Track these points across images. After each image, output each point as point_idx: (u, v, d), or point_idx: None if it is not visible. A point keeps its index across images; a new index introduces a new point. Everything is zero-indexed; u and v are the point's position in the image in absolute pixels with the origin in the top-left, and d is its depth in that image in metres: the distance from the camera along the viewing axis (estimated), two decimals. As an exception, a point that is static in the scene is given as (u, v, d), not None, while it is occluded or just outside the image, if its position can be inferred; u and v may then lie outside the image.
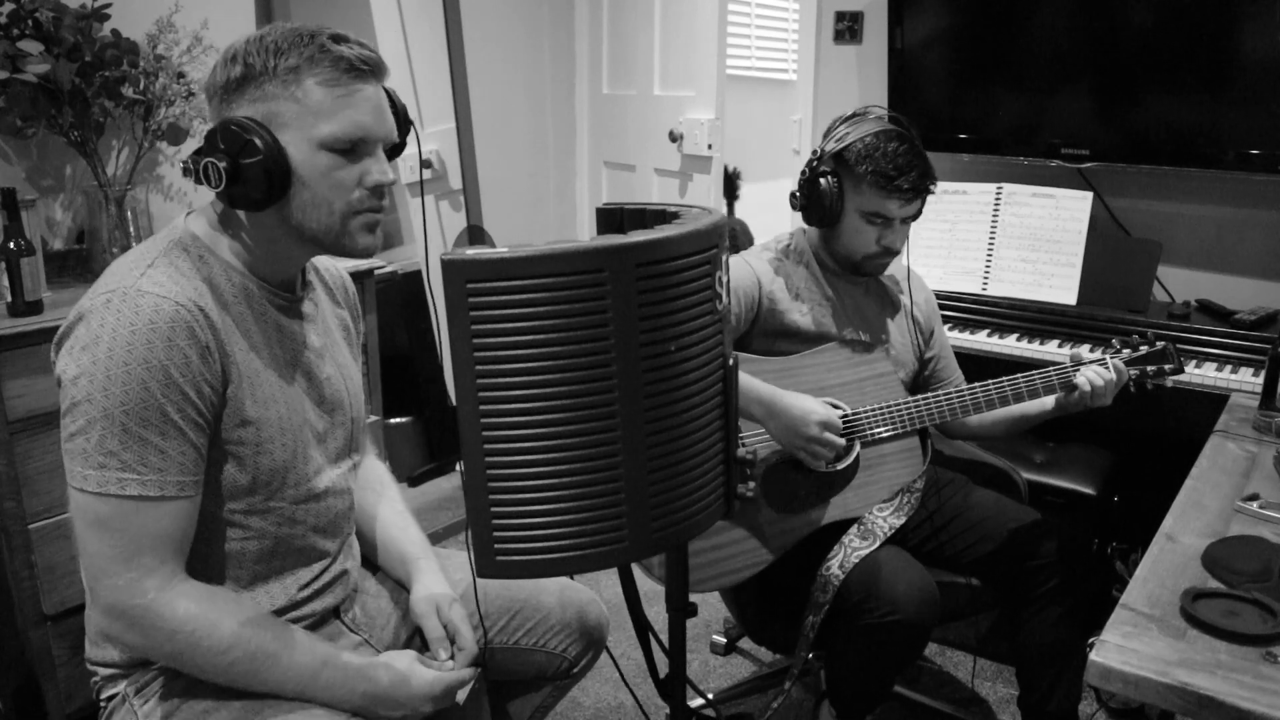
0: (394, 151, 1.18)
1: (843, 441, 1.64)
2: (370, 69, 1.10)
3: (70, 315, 1.06)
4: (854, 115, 1.74)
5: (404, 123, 1.19)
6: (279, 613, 1.19)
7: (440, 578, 1.34)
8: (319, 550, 1.24)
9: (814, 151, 1.74)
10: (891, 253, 1.74)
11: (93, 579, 1.05)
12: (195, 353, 1.05)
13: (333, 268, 1.37)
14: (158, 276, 1.06)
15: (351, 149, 1.09)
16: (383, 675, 1.15)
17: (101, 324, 1.02)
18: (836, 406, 1.72)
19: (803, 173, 1.74)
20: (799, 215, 1.77)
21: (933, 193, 1.72)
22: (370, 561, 1.40)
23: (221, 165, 1.05)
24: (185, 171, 1.10)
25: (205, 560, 1.14)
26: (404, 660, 1.19)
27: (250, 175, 1.05)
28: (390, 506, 1.42)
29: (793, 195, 1.75)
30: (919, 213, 1.74)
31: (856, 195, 1.69)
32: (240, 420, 1.11)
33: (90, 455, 1.01)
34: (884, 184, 1.65)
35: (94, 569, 1.05)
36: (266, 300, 1.17)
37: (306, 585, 1.22)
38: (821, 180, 1.69)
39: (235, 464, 1.11)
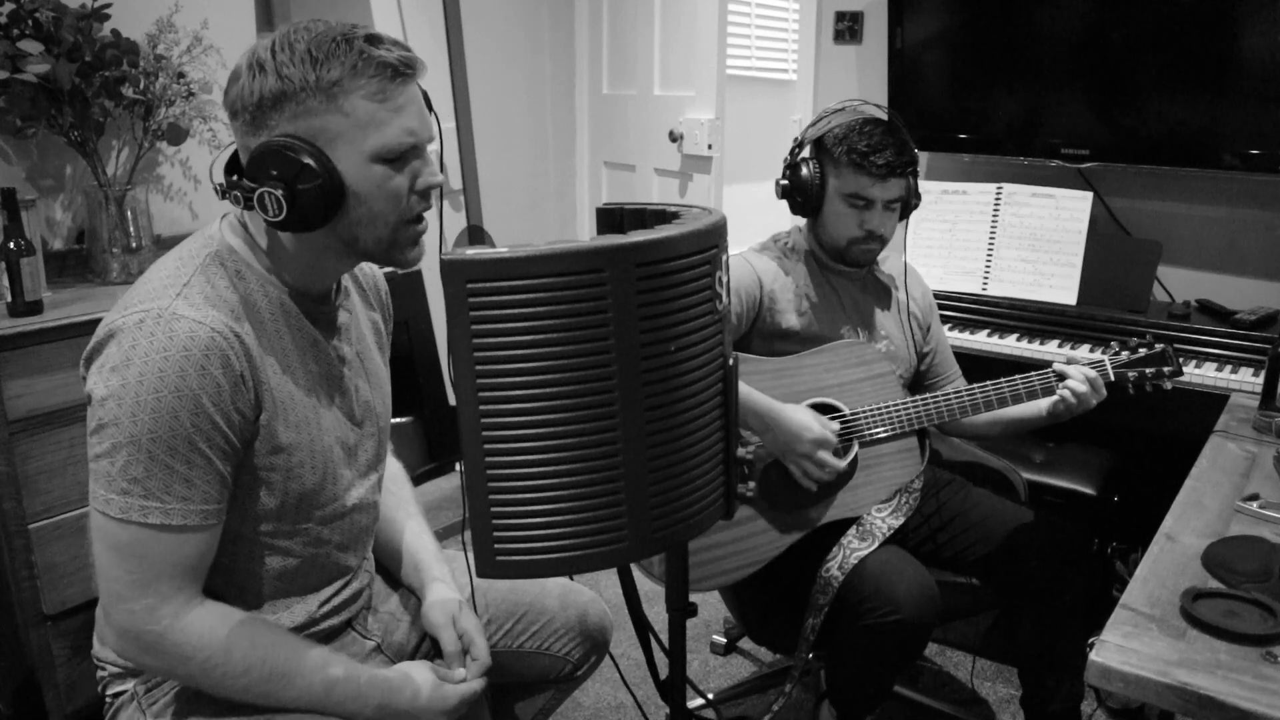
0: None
1: (839, 465, 1.64)
2: (412, 71, 1.05)
3: (100, 330, 1.03)
4: (838, 109, 1.76)
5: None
6: (297, 629, 1.18)
7: (452, 585, 1.33)
8: (341, 567, 1.24)
9: (795, 139, 1.76)
10: (876, 238, 1.73)
11: (108, 601, 1.04)
12: (228, 381, 1.02)
13: (367, 268, 1.34)
14: (194, 298, 1.03)
15: (400, 157, 1.06)
16: (398, 687, 1.15)
17: (133, 345, 0.99)
18: (834, 408, 1.72)
19: (785, 160, 1.76)
20: (793, 214, 1.78)
21: (913, 174, 1.72)
22: (381, 564, 1.40)
23: (279, 194, 1.00)
24: (221, 194, 1.05)
25: (228, 577, 1.13)
26: (421, 672, 1.18)
27: (307, 200, 1.01)
28: (405, 510, 1.42)
29: (778, 184, 1.77)
30: (905, 201, 1.73)
31: (835, 178, 1.70)
32: (272, 447, 1.09)
33: (114, 480, 1.00)
34: (859, 161, 1.66)
35: (110, 592, 1.03)
36: (303, 314, 1.14)
37: (326, 602, 1.22)
38: (802, 166, 1.72)
39: (265, 489, 1.10)
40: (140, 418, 0.98)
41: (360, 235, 1.08)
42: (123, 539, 1.01)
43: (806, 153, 1.74)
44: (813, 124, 1.75)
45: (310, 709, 1.11)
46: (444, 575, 1.34)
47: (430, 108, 1.13)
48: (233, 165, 1.10)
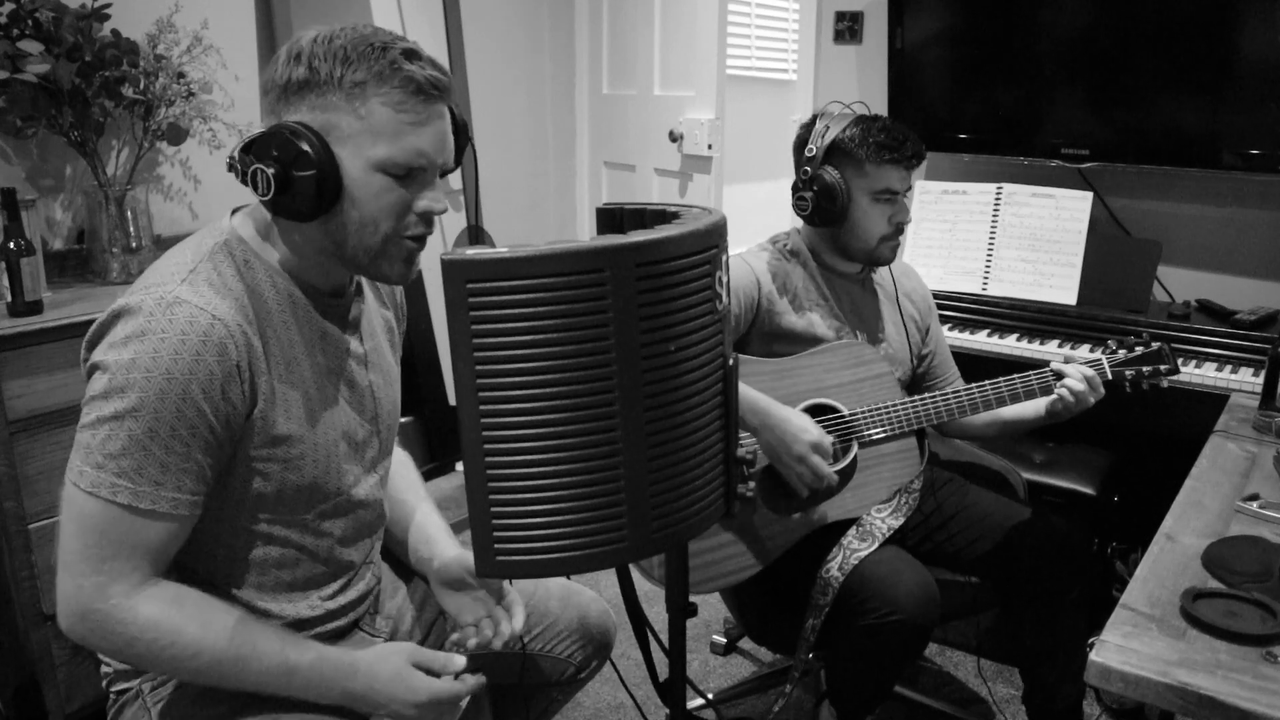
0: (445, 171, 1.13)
1: (831, 476, 1.62)
2: (439, 93, 1.05)
3: (107, 312, 1.04)
4: (818, 116, 1.76)
5: (461, 139, 1.13)
6: (303, 624, 1.18)
7: (466, 553, 1.30)
8: (344, 562, 1.23)
9: (804, 154, 1.74)
10: (901, 231, 1.75)
11: (61, 573, 1.03)
12: (222, 371, 1.02)
13: None
14: (199, 285, 1.04)
15: (407, 174, 1.05)
16: (365, 672, 1.11)
17: (133, 326, 1.00)
18: (833, 408, 1.72)
19: (802, 175, 1.74)
20: (796, 216, 1.78)
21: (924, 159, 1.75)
22: (387, 551, 1.39)
23: (271, 173, 1.01)
24: (230, 168, 1.07)
25: (229, 568, 1.13)
26: (395, 659, 1.13)
27: (300, 187, 1.02)
28: (415, 493, 1.41)
29: (799, 200, 1.73)
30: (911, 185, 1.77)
31: (861, 179, 1.70)
32: (269, 439, 1.08)
33: (91, 453, 1.00)
34: (889, 155, 1.67)
35: (63, 564, 1.02)
36: (312, 307, 1.13)
37: (331, 598, 1.22)
38: (825, 175, 1.70)
39: (262, 479, 1.10)
40: (128, 396, 0.99)
41: (349, 239, 1.07)
42: (86, 511, 1.01)
43: (820, 162, 1.71)
44: (808, 140, 1.73)
45: (275, 693, 1.09)
46: (457, 546, 1.33)
47: (468, 139, 1.13)
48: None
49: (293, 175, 1.02)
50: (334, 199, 1.04)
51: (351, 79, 1.01)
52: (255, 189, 1.04)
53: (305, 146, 1.01)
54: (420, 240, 1.10)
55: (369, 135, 1.03)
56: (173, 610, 1.04)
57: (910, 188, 1.74)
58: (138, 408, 0.99)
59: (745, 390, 1.60)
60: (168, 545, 1.05)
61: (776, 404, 1.61)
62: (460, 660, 1.15)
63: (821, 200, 1.71)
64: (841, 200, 1.70)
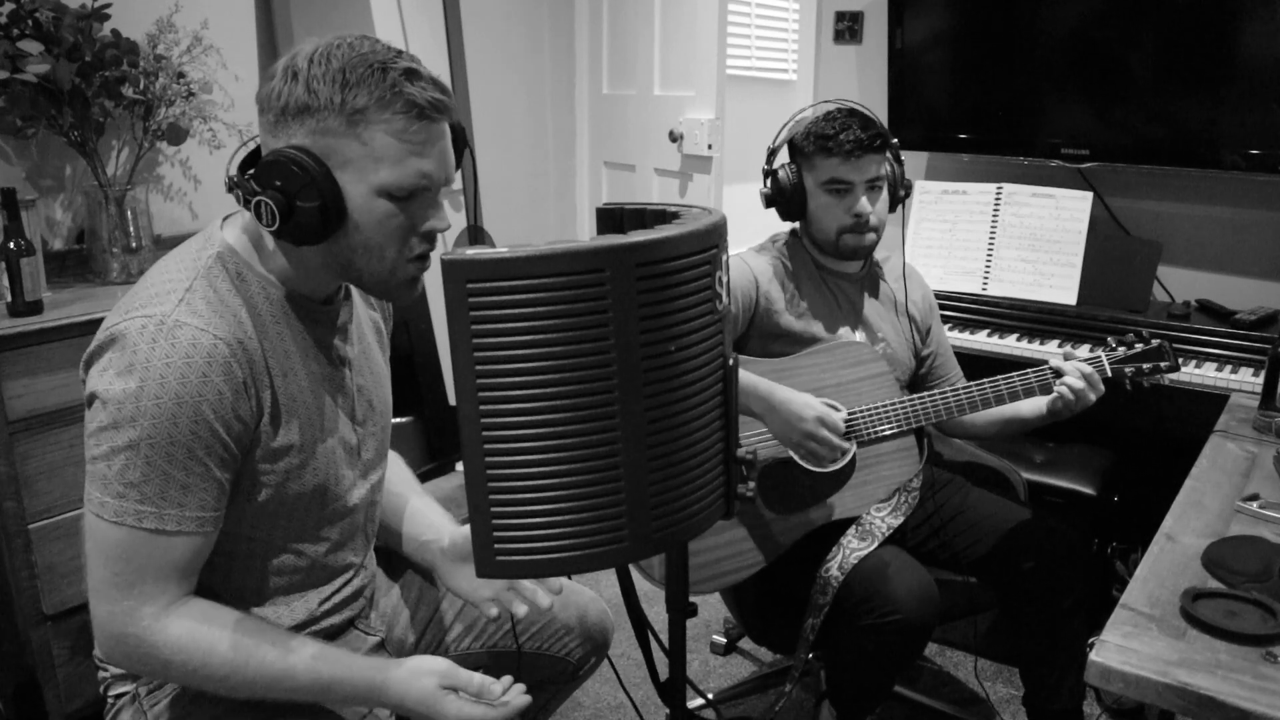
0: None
1: (844, 444, 1.64)
2: (441, 115, 1.04)
3: (101, 333, 1.03)
4: (802, 112, 1.79)
5: (459, 146, 1.12)
6: (298, 627, 1.18)
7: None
8: (343, 565, 1.24)
9: (767, 148, 1.78)
10: (866, 224, 1.71)
11: (93, 601, 1.04)
12: (230, 389, 1.02)
13: None
14: (196, 303, 1.03)
15: (410, 196, 1.04)
16: (392, 692, 1.11)
17: (135, 351, 0.99)
18: (834, 408, 1.72)
19: (763, 173, 1.77)
20: (783, 220, 1.80)
21: (891, 153, 1.72)
22: (380, 553, 1.39)
23: (274, 205, 1.00)
24: (229, 189, 1.06)
25: (227, 576, 1.13)
26: (425, 682, 1.11)
27: (304, 217, 1.01)
28: (409, 486, 1.42)
29: (761, 194, 1.78)
30: (891, 184, 1.74)
31: (811, 172, 1.72)
32: (274, 451, 1.09)
33: (110, 483, 1.00)
34: (826, 145, 1.68)
35: (95, 592, 1.03)
36: (304, 316, 1.13)
37: (328, 599, 1.22)
38: (779, 171, 1.74)
39: (265, 490, 1.10)
40: (140, 423, 0.98)
41: (356, 261, 1.07)
42: (112, 540, 1.01)
43: (781, 158, 1.77)
44: (781, 130, 1.78)
45: (306, 706, 1.10)
46: (459, 525, 1.33)
47: (465, 144, 1.12)
48: (252, 159, 1.10)
49: (296, 205, 1.01)
50: (338, 225, 1.04)
51: (353, 105, 0.99)
52: (259, 219, 1.03)
53: (308, 176, 1.00)
54: (425, 259, 1.10)
55: (371, 161, 1.01)
56: (202, 632, 1.04)
57: (877, 178, 1.71)
58: (151, 434, 0.98)
59: (747, 378, 1.60)
60: (193, 561, 1.06)
61: (779, 387, 1.61)
62: (498, 687, 1.13)
63: (775, 195, 1.75)
64: (795, 194, 1.73)
